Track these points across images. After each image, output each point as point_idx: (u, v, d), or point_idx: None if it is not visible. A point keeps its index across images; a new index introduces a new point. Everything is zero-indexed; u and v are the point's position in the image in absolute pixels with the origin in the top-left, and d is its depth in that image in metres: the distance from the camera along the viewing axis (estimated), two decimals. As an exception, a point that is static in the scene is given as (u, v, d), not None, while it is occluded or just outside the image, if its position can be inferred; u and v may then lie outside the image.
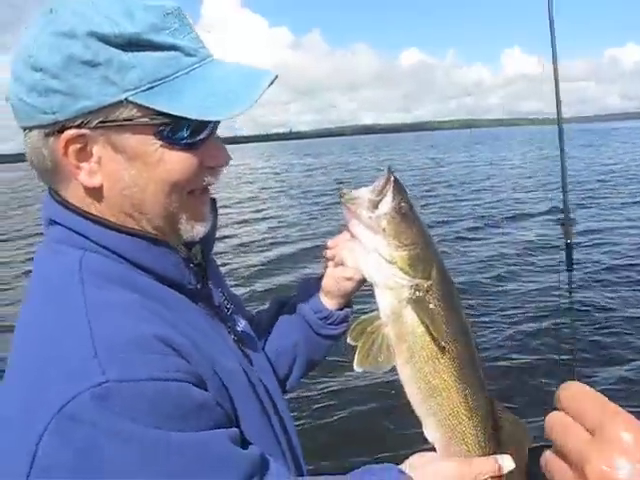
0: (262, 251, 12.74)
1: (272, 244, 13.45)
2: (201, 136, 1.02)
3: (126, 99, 0.94)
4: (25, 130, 0.97)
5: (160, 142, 0.98)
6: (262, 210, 19.97)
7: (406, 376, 1.16)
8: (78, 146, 0.95)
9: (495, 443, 1.18)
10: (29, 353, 0.88)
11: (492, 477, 1.09)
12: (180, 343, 0.92)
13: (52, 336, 0.88)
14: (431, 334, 1.11)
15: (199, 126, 1.01)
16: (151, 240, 1.04)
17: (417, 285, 1.12)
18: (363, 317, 1.17)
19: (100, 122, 0.94)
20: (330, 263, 1.45)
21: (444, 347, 1.12)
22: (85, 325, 0.86)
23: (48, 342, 0.87)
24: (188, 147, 1.01)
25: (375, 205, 1.13)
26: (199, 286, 1.13)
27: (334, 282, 1.44)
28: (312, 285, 1.50)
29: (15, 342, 0.92)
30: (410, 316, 1.12)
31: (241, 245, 13.60)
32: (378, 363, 1.15)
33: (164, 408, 0.82)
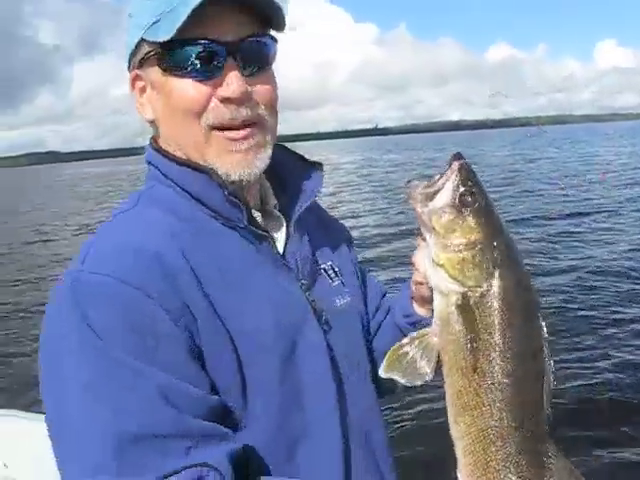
0: None
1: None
2: (210, 64, 1.06)
3: (142, 39, 1.09)
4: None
5: (165, 72, 1.09)
6: (344, 205, 20.08)
7: (446, 390, 1.05)
8: (137, 84, 1.15)
9: None
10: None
11: None
12: (178, 268, 1.01)
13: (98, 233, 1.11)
14: (469, 349, 1.00)
15: (207, 55, 1.06)
16: (197, 171, 1.12)
17: (467, 292, 1.00)
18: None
19: (138, 62, 1.12)
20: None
21: (477, 366, 1.00)
22: (111, 231, 1.10)
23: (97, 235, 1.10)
24: (195, 76, 1.07)
25: (430, 198, 1.02)
26: (254, 228, 1.13)
27: (414, 287, 1.32)
28: (407, 287, 1.40)
29: None
30: (456, 325, 1.01)
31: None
32: (408, 372, 1.05)
33: (116, 308, 0.94)
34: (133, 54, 1.12)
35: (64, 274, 1.01)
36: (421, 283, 1.22)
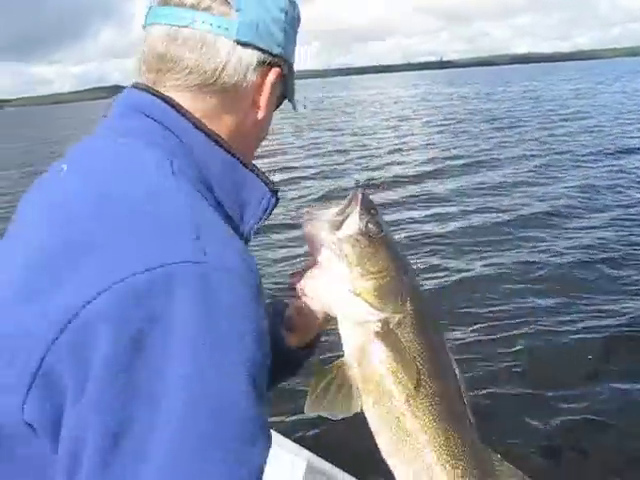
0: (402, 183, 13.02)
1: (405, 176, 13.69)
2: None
3: (282, 52, 1.02)
4: (237, 44, 0.95)
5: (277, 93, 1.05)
6: (400, 139, 20.17)
7: (375, 421, 1.02)
8: (273, 82, 1.00)
9: None
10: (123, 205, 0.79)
11: None
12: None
13: (156, 200, 0.80)
14: (402, 371, 0.99)
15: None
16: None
17: (386, 319, 1.00)
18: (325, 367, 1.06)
19: (288, 69, 1.04)
20: (294, 292, 1.18)
21: (417, 385, 1.00)
22: (188, 205, 0.82)
23: (152, 203, 0.79)
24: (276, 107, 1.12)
25: (337, 226, 1.01)
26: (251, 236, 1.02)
27: (296, 315, 1.20)
28: (277, 312, 1.23)
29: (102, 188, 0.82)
30: (378, 353, 1.00)
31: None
32: (335, 407, 1.02)
33: (248, 306, 0.76)
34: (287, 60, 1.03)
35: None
36: (313, 313, 1.15)
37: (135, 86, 0.97)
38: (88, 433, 0.66)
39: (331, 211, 1.03)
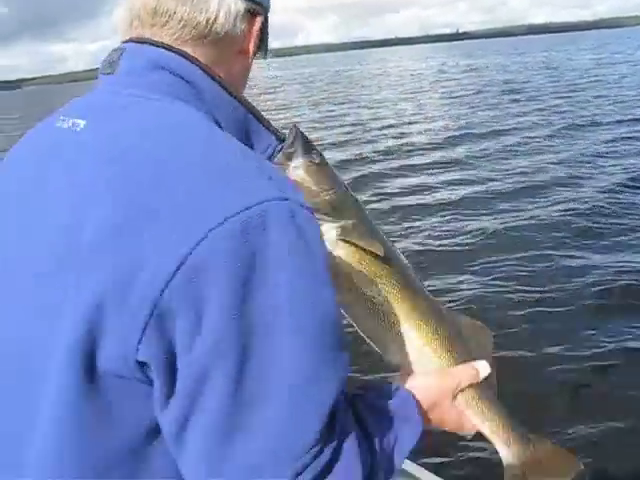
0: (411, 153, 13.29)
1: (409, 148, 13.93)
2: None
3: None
4: None
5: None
6: (413, 111, 20.32)
7: (353, 309, 1.10)
8: (258, 29, 1.02)
9: (462, 349, 1.14)
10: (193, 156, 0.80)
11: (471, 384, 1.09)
12: None
13: (223, 150, 0.83)
14: (367, 259, 1.10)
15: None
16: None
17: (344, 225, 1.11)
18: None
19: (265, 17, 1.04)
20: None
21: (382, 266, 1.11)
22: (243, 152, 0.85)
23: (221, 153, 0.82)
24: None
25: (289, 157, 1.13)
26: None
27: None
28: None
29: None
30: (343, 250, 1.10)
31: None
32: None
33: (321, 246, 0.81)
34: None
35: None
36: None
37: (138, 40, 0.95)
38: (209, 369, 0.71)
39: (285, 148, 1.13)
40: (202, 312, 0.70)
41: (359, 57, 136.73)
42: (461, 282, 5.93)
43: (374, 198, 9.36)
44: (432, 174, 10.65)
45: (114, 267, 0.72)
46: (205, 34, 0.96)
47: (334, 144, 14.72)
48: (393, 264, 1.13)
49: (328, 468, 0.76)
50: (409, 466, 2.05)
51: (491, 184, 9.53)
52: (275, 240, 0.73)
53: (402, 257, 1.19)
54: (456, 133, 14.60)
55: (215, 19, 0.95)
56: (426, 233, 7.50)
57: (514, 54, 63.10)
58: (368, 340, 1.10)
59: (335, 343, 0.77)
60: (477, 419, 1.10)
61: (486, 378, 1.11)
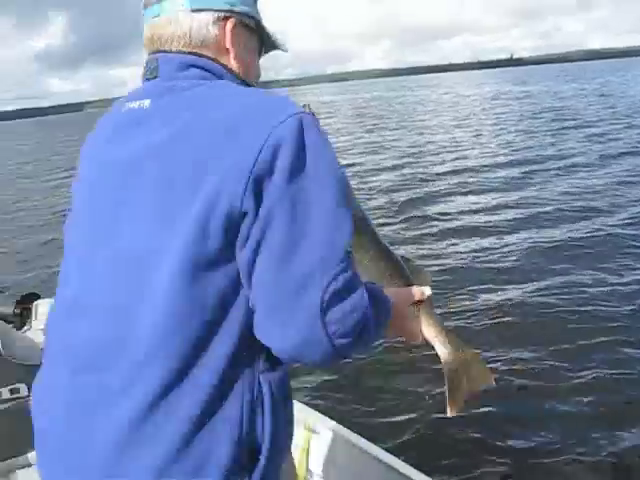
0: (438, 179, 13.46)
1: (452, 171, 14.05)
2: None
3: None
4: (193, 12, 1.20)
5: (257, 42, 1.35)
6: (462, 138, 20.46)
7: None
8: (232, 29, 1.23)
9: (411, 280, 1.41)
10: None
11: (417, 301, 1.36)
12: None
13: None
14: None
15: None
16: None
17: None
18: None
19: (254, 23, 1.29)
20: None
21: (359, 227, 1.24)
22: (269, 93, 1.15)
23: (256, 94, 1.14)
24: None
25: None
26: None
27: None
28: None
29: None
30: None
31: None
32: None
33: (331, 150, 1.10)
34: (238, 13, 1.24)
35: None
36: None
37: (169, 51, 1.21)
38: (274, 212, 0.99)
39: None
40: (273, 176, 1.00)
41: (412, 82, 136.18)
42: (509, 296, 6.20)
43: (429, 216, 9.82)
44: (483, 196, 10.94)
45: (229, 157, 1.01)
46: (194, 43, 1.21)
47: (389, 167, 15.25)
48: (363, 230, 1.35)
49: (351, 283, 1.02)
50: (401, 467, 2.13)
51: (546, 206, 9.69)
52: (312, 137, 1.05)
53: (368, 217, 1.42)
54: (507, 159, 14.78)
55: (191, 32, 1.21)
56: (476, 253, 7.76)
57: (569, 80, 62.07)
58: None
59: (347, 200, 1.07)
60: (424, 324, 1.38)
61: (428, 298, 1.38)
